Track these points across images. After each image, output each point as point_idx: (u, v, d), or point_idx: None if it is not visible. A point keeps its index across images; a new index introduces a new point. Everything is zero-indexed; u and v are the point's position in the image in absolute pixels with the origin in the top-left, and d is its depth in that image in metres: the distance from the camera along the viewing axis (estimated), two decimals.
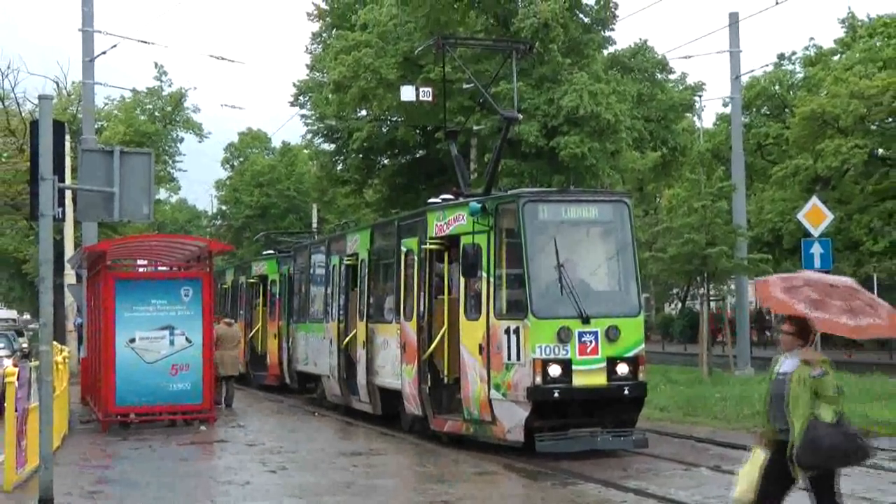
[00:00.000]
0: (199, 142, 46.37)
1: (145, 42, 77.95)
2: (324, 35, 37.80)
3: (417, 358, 14.57)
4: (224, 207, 64.00)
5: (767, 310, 54.90)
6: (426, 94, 21.44)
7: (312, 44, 39.00)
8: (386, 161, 35.23)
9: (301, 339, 21.73)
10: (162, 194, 50.32)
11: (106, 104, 42.98)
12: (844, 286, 6.81)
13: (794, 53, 43.61)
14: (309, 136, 40.14)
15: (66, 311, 29.45)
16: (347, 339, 17.85)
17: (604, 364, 12.82)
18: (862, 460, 6.82)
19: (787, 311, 6.83)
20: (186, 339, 16.65)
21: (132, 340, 16.46)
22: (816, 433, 6.50)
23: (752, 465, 6.88)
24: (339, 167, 36.74)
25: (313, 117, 38.62)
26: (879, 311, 6.68)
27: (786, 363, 6.86)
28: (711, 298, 26.30)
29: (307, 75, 39.72)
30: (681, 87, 34.91)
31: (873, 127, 35.21)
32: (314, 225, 46.96)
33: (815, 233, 25.14)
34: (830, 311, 6.53)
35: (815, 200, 26.19)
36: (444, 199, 15.43)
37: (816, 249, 25.05)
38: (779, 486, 6.78)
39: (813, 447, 6.50)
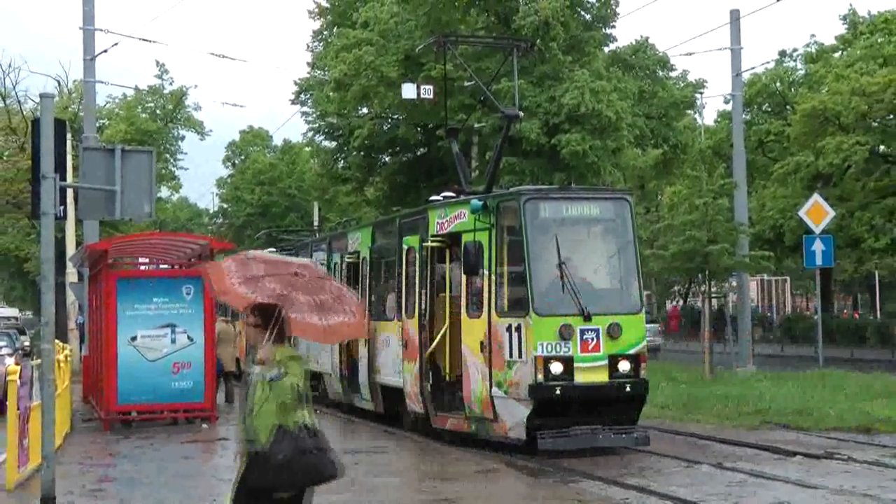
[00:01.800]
0: (201, 140, 46.44)
1: (146, 40, 77.79)
2: (325, 33, 37.78)
3: (419, 356, 14.57)
4: (225, 206, 64.06)
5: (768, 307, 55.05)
6: (427, 91, 21.41)
7: (313, 42, 38.99)
8: (387, 159, 35.22)
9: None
10: (163, 192, 50.32)
11: (107, 102, 43.10)
12: (309, 274, 5.81)
13: (795, 50, 43.63)
14: (310, 133, 40.10)
15: (68, 309, 29.46)
16: None
17: (605, 361, 12.82)
18: (316, 482, 5.62)
19: (249, 304, 5.76)
20: (188, 337, 16.61)
21: (134, 339, 16.41)
22: (275, 446, 5.44)
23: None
24: (341, 165, 36.74)
25: (314, 115, 38.60)
26: (346, 305, 5.80)
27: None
28: (713, 296, 26.23)
29: (308, 73, 39.68)
30: (682, 85, 34.86)
31: (874, 124, 35.20)
32: (315, 223, 46.98)
33: (817, 230, 25.14)
34: (300, 308, 5.63)
35: (816, 197, 26.21)
36: (445, 197, 15.42)
37: (818, 246, 25.08)
38: None
39: (263, 462, 5.45)
